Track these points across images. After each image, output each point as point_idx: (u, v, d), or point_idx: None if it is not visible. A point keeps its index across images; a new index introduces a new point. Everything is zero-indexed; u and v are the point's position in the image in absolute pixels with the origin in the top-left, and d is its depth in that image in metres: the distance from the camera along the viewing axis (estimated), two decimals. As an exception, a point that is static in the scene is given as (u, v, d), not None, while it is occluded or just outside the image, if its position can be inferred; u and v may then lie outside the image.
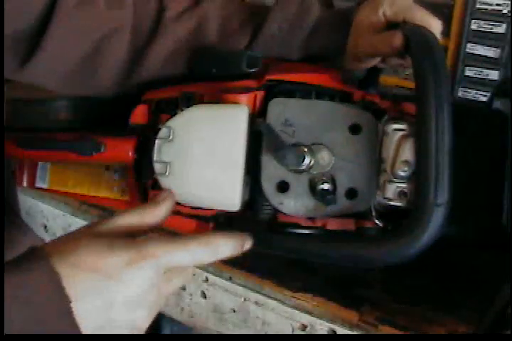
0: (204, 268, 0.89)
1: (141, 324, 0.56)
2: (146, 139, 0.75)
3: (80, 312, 0.51)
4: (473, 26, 0.93)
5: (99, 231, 0.57)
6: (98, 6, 0.76)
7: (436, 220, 0.57)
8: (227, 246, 0.58)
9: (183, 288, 0.91)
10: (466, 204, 0.62)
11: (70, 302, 0.50)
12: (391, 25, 0.72)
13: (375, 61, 0.75)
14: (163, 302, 0.58)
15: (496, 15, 0.91)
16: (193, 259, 0.57)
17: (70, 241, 0.55)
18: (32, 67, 0.76)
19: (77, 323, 0.51)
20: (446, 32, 0.95)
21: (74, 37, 0.75)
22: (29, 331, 0.49)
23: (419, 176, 0.60)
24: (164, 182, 0.70)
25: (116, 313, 0.53)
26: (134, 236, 0.57)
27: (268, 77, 0.71)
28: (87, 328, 0.52)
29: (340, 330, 0.80)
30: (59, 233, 1.09)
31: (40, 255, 0.53)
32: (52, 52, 0.75)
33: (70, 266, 0.52)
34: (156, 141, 0.70)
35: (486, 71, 0.93)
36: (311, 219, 0.69)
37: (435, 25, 0.71)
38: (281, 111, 0.68)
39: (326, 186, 0.66)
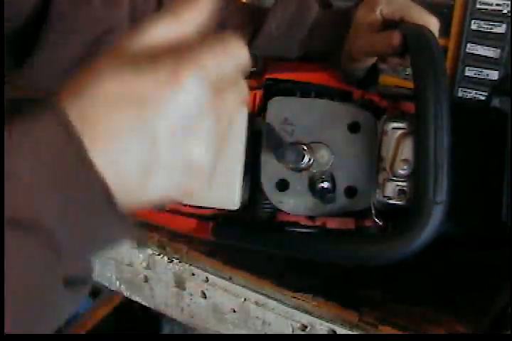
0: (204, 268, 0.89)
1: (199, 159, 0.44)
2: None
3: (115, 155, 0.41)
4: (473, 26, 0.93)
5: (124, 51, 0.43)
6: (93, 5, 0.76)
7: (435, 218, 0.57)
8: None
9: (183, 288, 0.91)
10: (465, 201, 0.62)
11: (84, 147, 0.39)
12: (389, 24, 0.72)
13: (372, 60, 0.76)
14: (224, 132, 0.45)
15: (495, 15, 0.92)
16: (237, 62, 0.45)
17: (85, 74, 0.42)
18: (29, 67, 0.76)
19: (100, 172, 0.40)
20: (446, 32, 0.95)
21: (70, 36, 0.75)
22: (41, 184, 0.39)
23: (418, 174, 0.60)
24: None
25: (162, 150, 0.42)
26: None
27: (267, 76, 0.71)
28: (126, 175, 0.41)
29: (340, 330, 0.80)
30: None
31: (48, 101, 0.41)
32: (48, 52, 0.75)
33: (88, 103, 0.41)
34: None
35: (485, 71, 0.93)
36: (311, 218, 0.70)
37: (433, 24, 0.71)
38: (281, 109, 0.68)
39: (325, 184, 0.66)
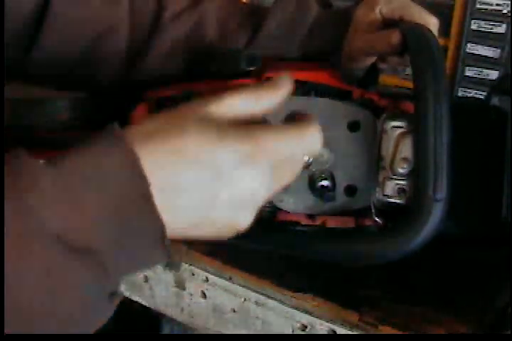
0: (204, 268, 0.89)
1: (242, 223, 0.49)
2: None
3: (173, 208, 0.44)
4: (473, 26, 0.93)
5: (207, 114, 0.47)
6: (93, 4, 0.76)
7: (435, 215, 0.57)
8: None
9: (183, 288, 0.91)
10: (465, 201, 0.62)
11: (150, 192, 0.42)
12: (388, 24, 0.72)
13: (371, 60, 0.76)
14: (269, 197, 0.50)
15: (495, 15, 0.92)
16: (307, 151, 0.51)
17: (168, 121, 0.46)
18: (29, 67, 0.76)
19: (160, 217, 0.43)
20: (446, 32, 0.95)
21: (69, 34, 0.75)
22: (107, 220, 0.42)
23: (418, 172, 0.60)
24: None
25: (216, 212, 0.46)
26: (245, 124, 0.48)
27: (267, 75, 0.71)
28: (178, 224, 0.45)
29: (340, 330, 0.79)
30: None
31: (120, 135, 0.43)
32: (48, 50, 0.75)
33: (167, 151, 0.44)
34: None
35: (485, 71, 0.93)
36: (311, 217, 0.69)
37: (433, 23, 0.71)
38: (280, 108, 0.68)
39: (325, 183, 0.66)
